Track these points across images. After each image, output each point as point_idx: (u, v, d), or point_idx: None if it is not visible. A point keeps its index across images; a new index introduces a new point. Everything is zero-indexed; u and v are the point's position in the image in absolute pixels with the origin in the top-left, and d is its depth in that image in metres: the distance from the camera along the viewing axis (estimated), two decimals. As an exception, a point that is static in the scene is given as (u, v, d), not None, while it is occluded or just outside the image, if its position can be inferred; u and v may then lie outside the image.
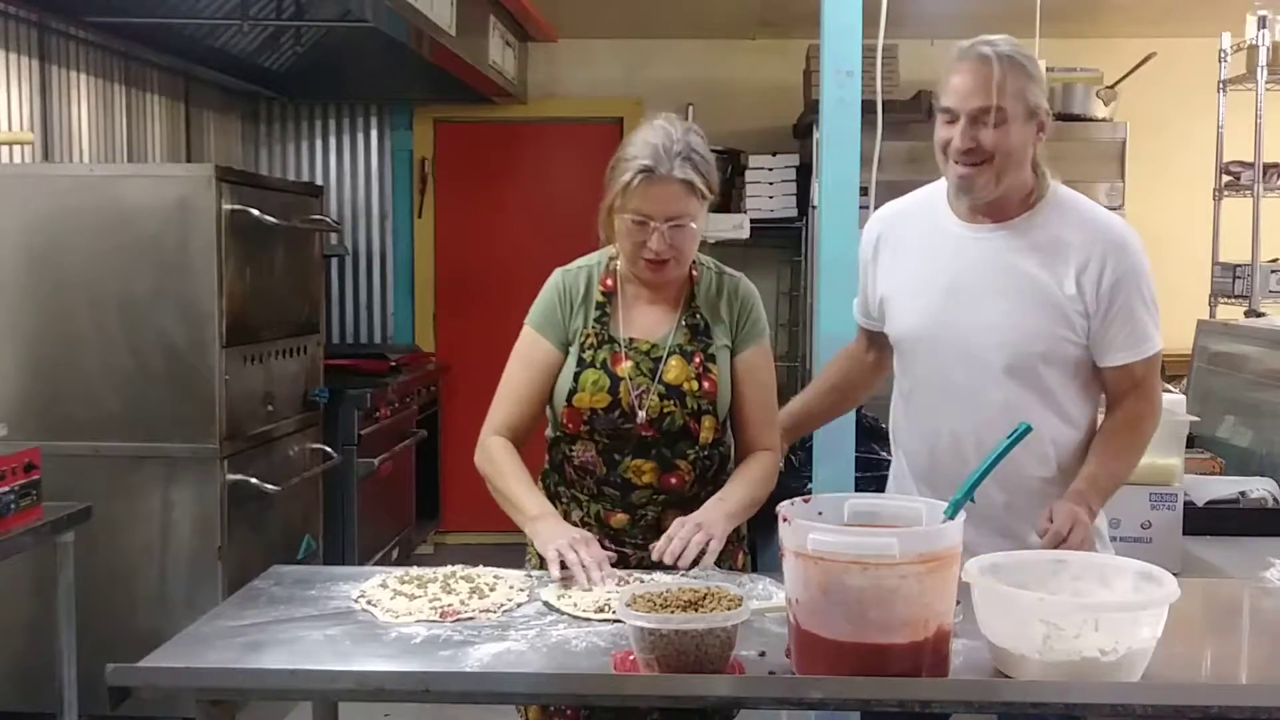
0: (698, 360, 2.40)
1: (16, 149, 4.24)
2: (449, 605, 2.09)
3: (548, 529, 2.29)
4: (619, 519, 2.42)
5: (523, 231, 6.46)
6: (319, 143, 6.65)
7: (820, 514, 1.90)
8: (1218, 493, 3.18)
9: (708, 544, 2.22)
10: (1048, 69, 5.49)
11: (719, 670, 1.78)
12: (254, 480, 4.02)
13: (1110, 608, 1.77)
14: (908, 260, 2.47)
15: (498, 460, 2.40)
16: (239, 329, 3.97)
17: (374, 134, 6.65)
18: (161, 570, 3.88)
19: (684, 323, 2.43)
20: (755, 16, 5.87)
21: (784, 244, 6.18)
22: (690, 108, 6.33)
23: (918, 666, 1.73)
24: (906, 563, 1.70)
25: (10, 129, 4.23)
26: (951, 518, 1.82)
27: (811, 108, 5.30)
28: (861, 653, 1.72)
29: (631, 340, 2.41)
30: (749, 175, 6.00)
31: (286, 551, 4.39)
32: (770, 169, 5.98)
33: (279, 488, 4.11)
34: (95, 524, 3.41)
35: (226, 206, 3.87)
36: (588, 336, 2.42)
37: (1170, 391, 4.32)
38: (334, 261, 6.55)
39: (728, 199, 6.08)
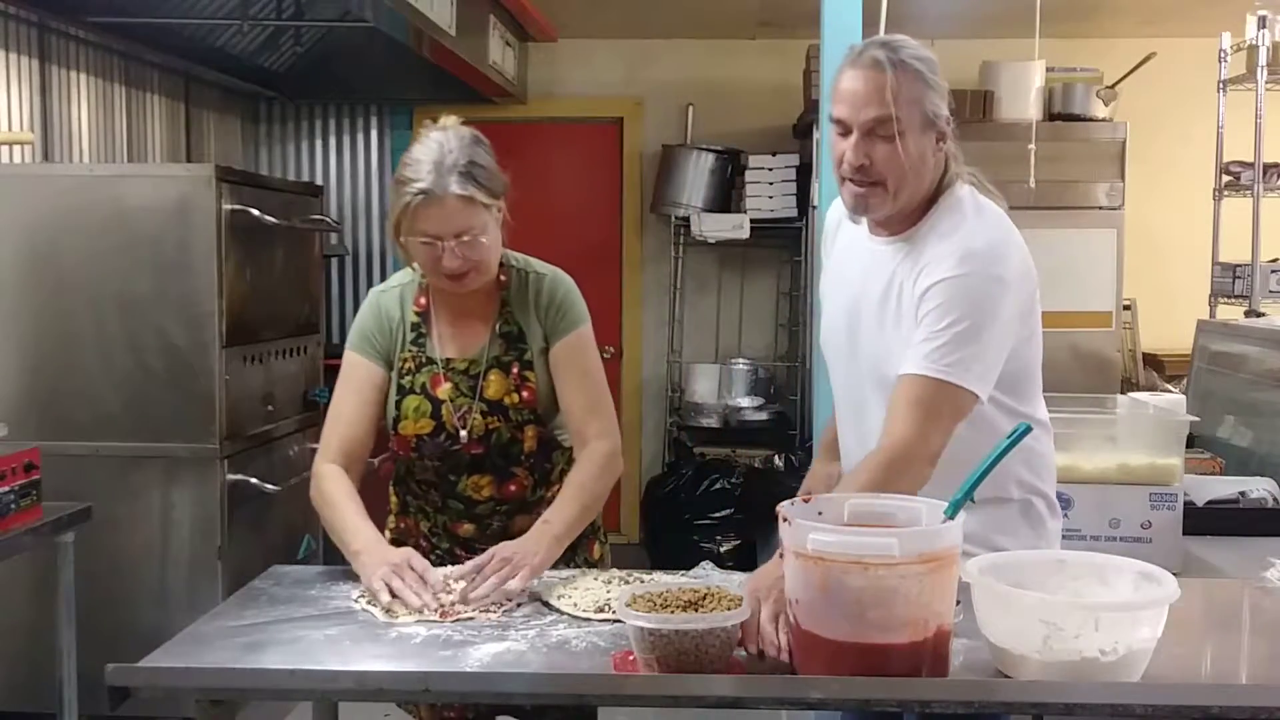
0: (515, 371, 2.36)
1: (16, 149, 4.24)
2: (450, 604, 2.09)
3: (370, 561, 2.18)
4: (466, 529, 2.41)
5: (522, 231, 6.33)
6: (319, 143, 6.65)
7: (820, 514, 1.90)
8: (1218, 493, 3.18)
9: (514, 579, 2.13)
10: (1048, 69, 5.51)
11: (719, 670, 1.78)
12: (254, 480, 4.02)
13: (1110, 608, 1.77)
14: (834, 269, 2.41)
15: (326, 491, 2.32)
16: (239, 329, 3.97)
17: (374, 134, 6.65)
18: (161, 570, 3.88)
19: (498, 332, 2.38)
20: (755, 16, 5.87)
21: (784, 244, 6.19)
22: (690, 108, 6.34)
23: (918, 666, 1.73)
24: (906, 563, 1.70)
25: (10, 129, 4.23)
26: (951, 518, 1.82)
27: (811, 108, 5.30)
28: (861, 653, 1.72)
29: (449, 360, 2.38)
30: (749, 175, 6.00)
31: (286, 551, 4.39)
32: (770, 169, 5.98)
33: (279, 488, 4.11)
34: (95, 524, 3.41)
35: (226, 206, 3.88)
36: (405, 361, 2.38)
37: (1170, 391, 4.34)
38: (334, 261, 6.55)
39: (728, 199, 6.09)
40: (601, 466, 2.34)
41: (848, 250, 2.36)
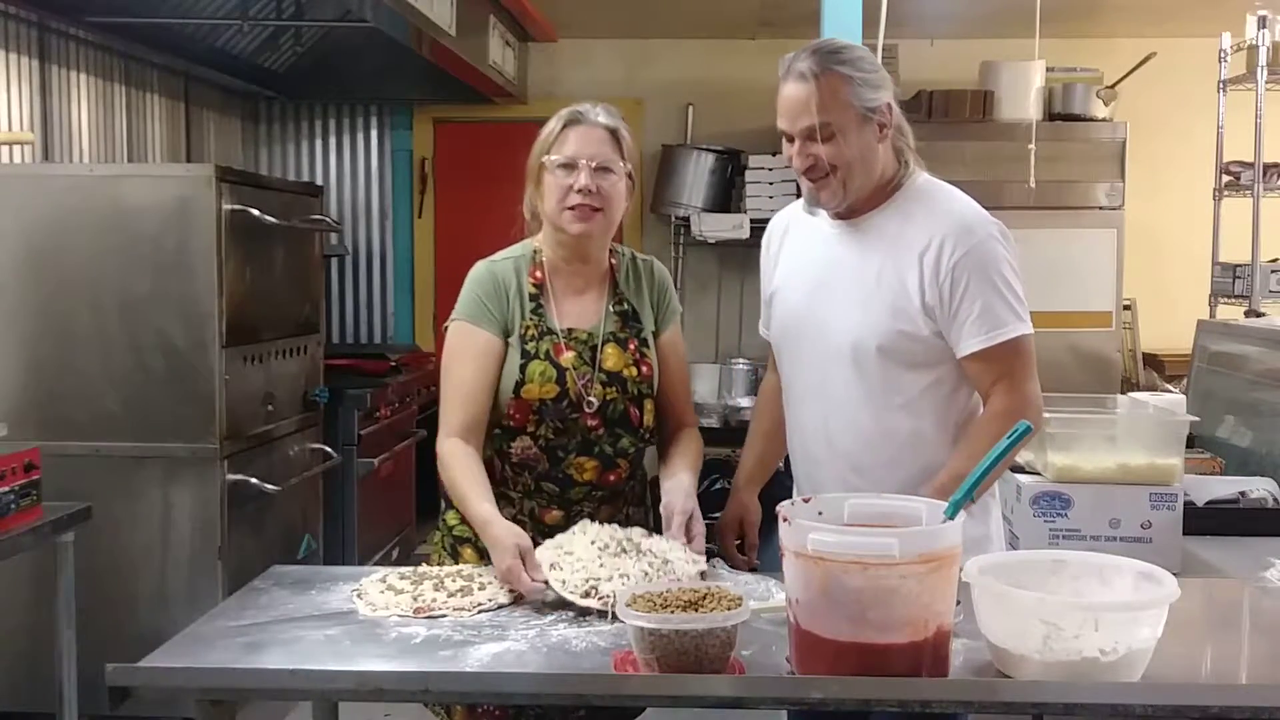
0: (632, 346, 2.44)
1: (16, 149, 4.24)
2: (427, 601, 2.10)
3: (496, 545, 2.19)
4: (554, 515, 2.39)
5: (522, 231, 6.45)
6: (319, 143, 6.66)
7: (820, 514, 1.90)
8: (1218, 493, 3.18)
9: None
10: (1048, 69, 5.51)
11: (719, 670, 1.78)
12: (254, 480, 4.01)
13: (1110, 608, 1.77)
14: (789, 261, 2.50)
15: (451, 473, 2.32)
16: (239, 329, 3.97)
17: (374, 134, 6.66)
18: (161, 570, 3.88)
19: (612, 310, 2.46)
20: (755, 16, 5.88)
21: (784, 244, 6.18)
22: (690, 108, 6.34)
23: (918, 666, 1.73)
24: (906, 563, 1.70)
25: (10, 129, 4.23)
26: (951, 518, 1.82)
27: (811, 108, 5.29)
28: (861, 653, 1.72)
29: (570, 330, 2.42)
30: (749, 175, 6.01)
31: (286, 551, 4.39)
32: (770, 169, 5.98)
33: (279, 488, 4.11)
34: (95, 524, 3.41)
35: (226, 206, 3.87)
36: (528, 328, 2.41)
37: (1170, 391, 4.34)
38: (334, 261, 6.55)
39: (728, 199, 6.09)
40: (701, 449, 2.50)
41: (804, 244, 2.48)
